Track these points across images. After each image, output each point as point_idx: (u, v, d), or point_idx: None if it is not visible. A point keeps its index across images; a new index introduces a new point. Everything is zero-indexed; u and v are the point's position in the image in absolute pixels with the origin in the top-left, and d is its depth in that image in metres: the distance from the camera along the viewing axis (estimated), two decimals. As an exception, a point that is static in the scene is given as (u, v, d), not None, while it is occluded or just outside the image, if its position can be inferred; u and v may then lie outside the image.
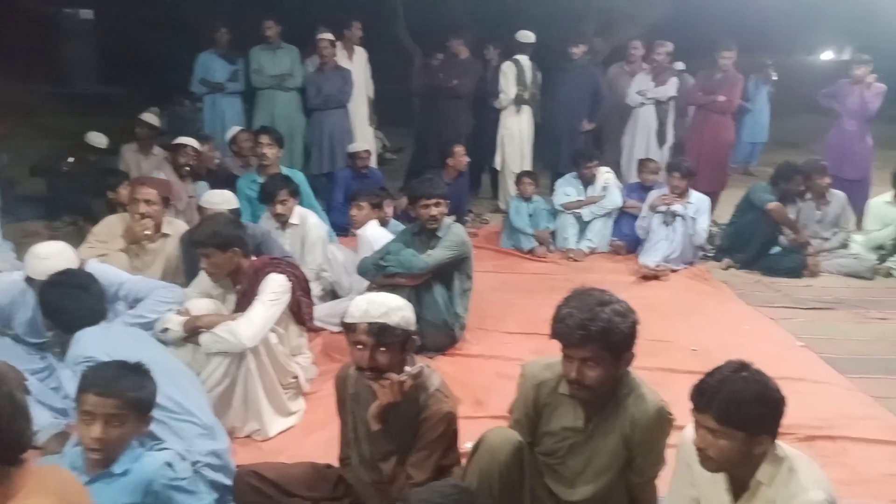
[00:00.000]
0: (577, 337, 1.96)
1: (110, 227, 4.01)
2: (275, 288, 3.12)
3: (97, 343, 2.53)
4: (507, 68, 6.97)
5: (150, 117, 6.39)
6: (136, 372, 2.15)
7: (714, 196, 6.36)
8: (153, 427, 2.38)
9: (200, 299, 3.23)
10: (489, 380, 3.65)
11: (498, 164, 7.22)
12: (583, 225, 6.03)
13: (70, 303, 2.65)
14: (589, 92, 7.02)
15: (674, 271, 5.48)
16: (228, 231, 3.16)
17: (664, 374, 3.47)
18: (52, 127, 8.79)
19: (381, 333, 2.18)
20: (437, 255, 3.85)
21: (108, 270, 3.22)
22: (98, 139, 6.39)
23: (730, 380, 1.80)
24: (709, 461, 1.85)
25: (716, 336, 4.24)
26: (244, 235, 3.24)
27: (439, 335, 3.89)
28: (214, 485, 2.49)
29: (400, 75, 9.89)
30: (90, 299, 2.70)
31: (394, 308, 2.21)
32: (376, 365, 2.20)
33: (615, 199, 6.07)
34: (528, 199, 6.13)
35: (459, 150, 6.08)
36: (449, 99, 7.02)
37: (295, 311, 3.30)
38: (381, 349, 2.19)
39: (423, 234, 3.97)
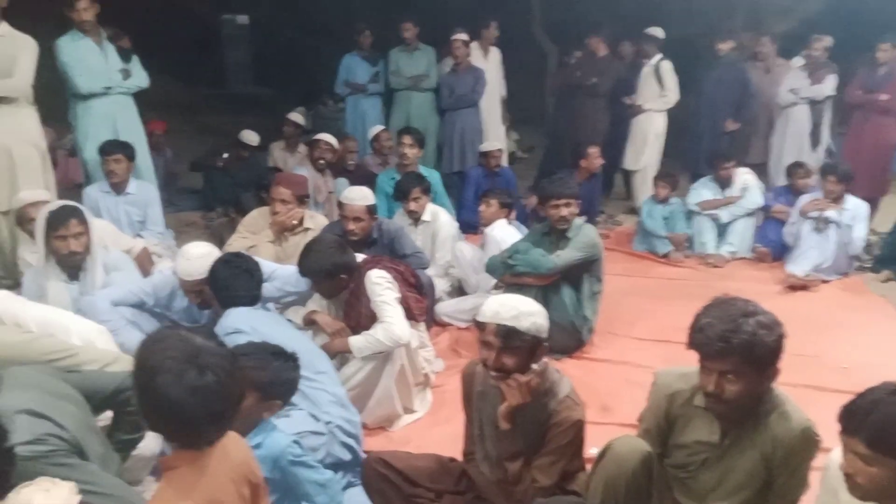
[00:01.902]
0: (717, 349, 1.86)
1: (258, 219, 4.29)
2: (379, 282, 3.19)
3: (245, 318, 2.77)
4: (668, 67, 6.73)
5: (296, 116, 6.76)
6: (275, 354, 2.28)
7: (873, 202, 5.83)
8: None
9: (317, 299, 3.41)
10: (617, 386, 3.57)
11: (628, 164, 7.01)
12: (722, 228, 5.73)
13: (236, 282, 2.90)
14: (735, 90, 6.64)
15: (825, 282, 5.08)
16: (336, 261, 3.19)
17: (811, 392, 3.26)
18: (210, 125, 9.49)
19: (509, 336, 2.17)
20: (566, 255, 3.80)
21: (260, 261, 3.43)
22: (250, 137, 6.84)
23: (884, 402, 1.63)
24: (857, 488, 1.69)
25: (870, 354, 3.90)
26: (351, 258, 3.27)
27: (566, 337, 3.84)
28: (347, 447, 2.61)
29: (535, 74, 9.84)
30: (251, 283, 2.95)
31: (525, 312, 2.19)
32: (501, 366, 2.20)
33: (755, 198, 5.71)
34: (663, 202, 5.91)
35: (594, 151, 5.94)
36: (586, 97, 6.88)
37: (405, 307, 3.38)
38: (508, 352, 2.19)
39: (553, 234, 3.93)
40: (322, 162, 5.63)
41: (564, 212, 3.85)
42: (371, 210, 4.02)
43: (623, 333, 4.22)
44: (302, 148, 6.46)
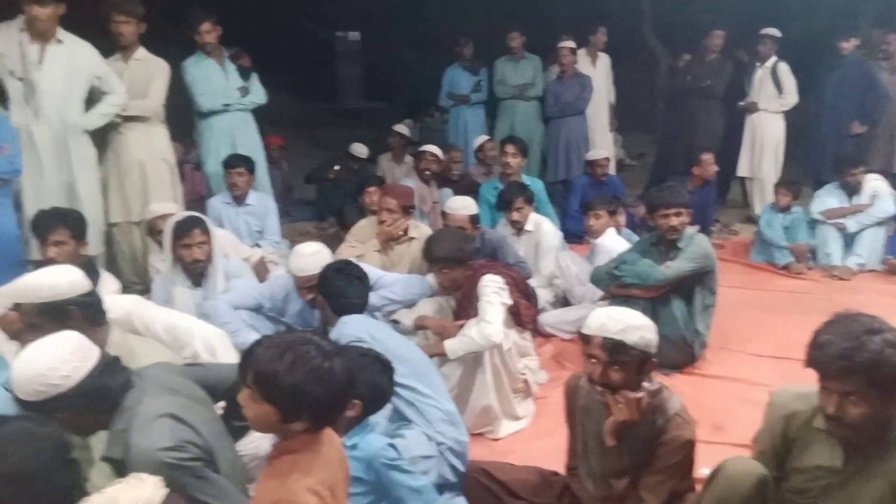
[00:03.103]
0: (838, 368, 1.74)
1: (366, 228, 4.43)
2: (493, 288, 3.22)
3: (364, 326, 2.83)
4: (785, 68, 6.40)
5: (402, 128, 6.91)
6: (365, 356, 2.33)
7: None
8: (404, 407, 2.60)
9: (430, 300, 3.47)
10: (730, 404, 3.40)
11: (743, 171, 6.68)
12: (849, 239, 5.35)
13: (350, 289, 2.97)
14: (861, 91, 6.19)
15: (969, 298, 4.65)
16: (467, 247, 3.33)
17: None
18: (324, 139, 9.87)
19: (616, 351, 2.11)
20: (676, 267, 3.67)
21: (369, 267, 3.59)
22: (360, 150, 7.06)
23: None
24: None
25: None
26: (473, 249, 3.39)
27: (676, 352, 3.70)
28: (454, 469, 2.63)
29: (645, 79, 9.59)
30: (363, 290, 3.02)
31: (633, 326, 2.14)
32: (608, 382, 2.15)
33: (886, 206, 5.29)
34: (784, 210, 5.59)
35: (707, 158, 5.69)
36: (699, 101, 6.64)
37: (514, 313, 3.37)
38: (615, 367, 2.13)
39: (663, 244, 3.80)
40: (427, 172, 5.73)
41: (674, 221, 3.72)
42: (474, 220, 4.05)
43: (738, 349, 4.02)
44: (408, 159, 6.59)
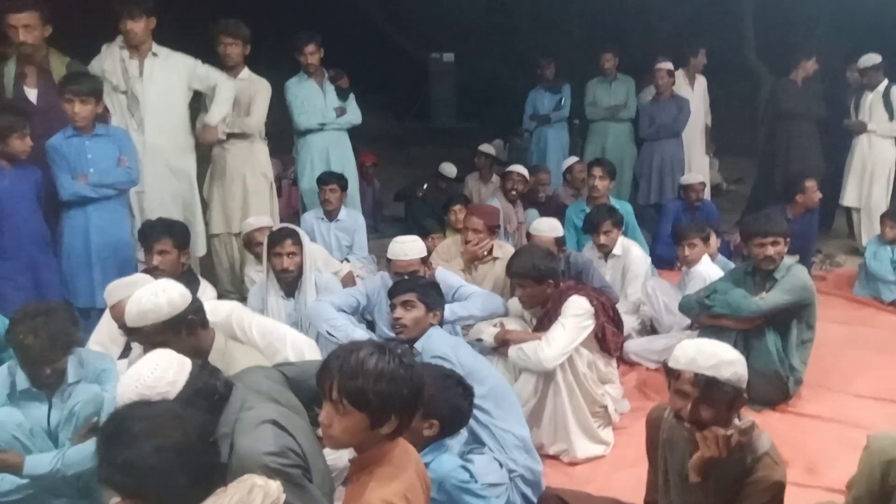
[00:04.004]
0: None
1: (451, 247, 4.49)
2: (576, 310, 3.18)
3: (447, 342, 2.88)
4: None
5: (488, 148, 6.97)
6: (446, 377, 2.35)
7: None
8: (478, 430, 2.61)
9: (513, 317, 3.45)
10: (826, 445, 3.22)
11: (849, 201, 6.32)
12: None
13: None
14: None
15: None
16: (545, 264, 3.29)
17: None
18: (416, 158, 10.05)
19: (708, 387, 2.04)
20: (771, 298, 3.52)
21: (450, 275, 3.74)
22: (449, 169, 7.16)
23: None
24: None
25: None
26: (558, 267, 3.37)
27: (769, 387, 3.53)
28: (524, 498, 2.61)
29: (746, 101, 9.29)
30: (441, 303, 3.07)
31: (726, 361, 2.06)
32: (698, 419, 2.08)
33: None
34: (892, 243, 5.25)
35: (811, 185, 5.39)
36: (802, 124, 6.36)
37: (599, 338, 3.30)
38: (706, 403, 2.06)
39: (758, 274, 3.66)
40: (514, 193, 5.74)
41: (771, 251, 3.56)
42: (559, 242, 4.02)
43: (838, 388, 3.80)
44: (495, 178, 6.63)
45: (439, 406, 2.23)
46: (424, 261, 3.65)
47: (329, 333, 3.28)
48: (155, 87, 4.33)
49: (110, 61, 4.28)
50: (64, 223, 3.89)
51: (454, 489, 2.20)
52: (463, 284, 3.68)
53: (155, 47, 4.35)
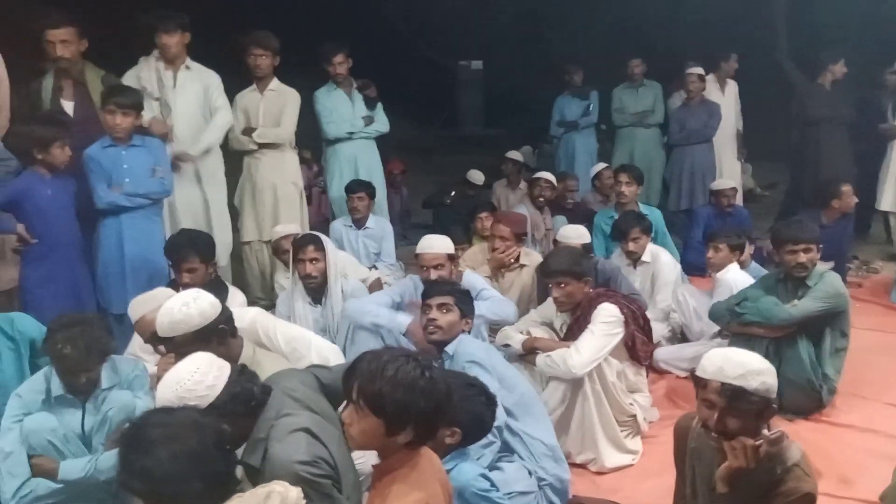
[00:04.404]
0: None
1: (477, 254, 4.50)
2: (605, 318, 3.15)
3: (479, 347, 2.88)
4: None
5: (516, 154, 6.96)
6: (470, 385, 2.34)
7: None
8: (508, 438, 2.62)
9: (539, 325, 3.45)
10: (860, 456, 3.16)
11: (886, 205, 6.17)
12: None
13: None
14: None
15: None
16: (585, 262, 3.32)
17: None
18: (444, 165, 10.07)
19: (735, 398, 2.01)
20: (803, 306, 3.46)
21: (476, 277, 3.76)
22: (476, 176, 7.17)
23: None
24: None
25: None
26: (591, 267, 3.38)
27: (801, 396, 3.47)
28: None
29: (778, 105, 9.14)
30: (473, 312, 3.06)
31: (753, 371, 2.02)
32: (724, 429, 2.05)
33: None
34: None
35: (847, 189, 5.26)
36: (836, 128, 6.24)
37: (629, 346, 3.27)
38: (733, 414, 2.02)
39: (790, 280, 3.59)
40: (541, 199, 5.73)
41: (803, 258, 3.50)
42: (586, 249, 4.01)
43: (873, 397, 3.72)
44: (523, 185, 6.62)
45: (461, 414, 2.23)
46: (452, 258, 3.66)
47: (375, 325, 3.31)
48: (185, 97, 4.46)
49: (147, 71, 4.44)
50: (99, 232, 3.98)
51: (474, 497, 2.20)
52: (486, 288, 3.69)
53: (188, 61, 4.48)
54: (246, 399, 1.98)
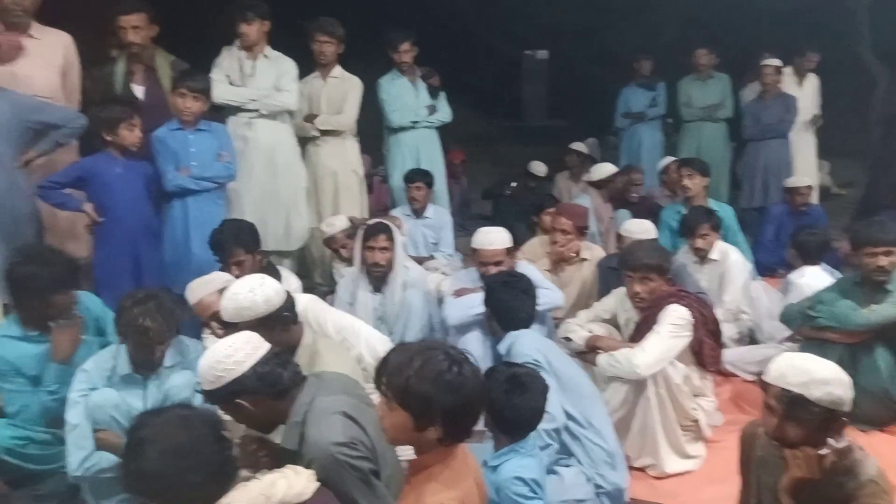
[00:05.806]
0: None
1: (537, 247, 4.43)
2: (674, 319, 3.04)
3: (537, 345, 2.80)
4: None
5: (579, 146, 6.83)
6: (511, 380, 2.30)
7: None
8: (568, 440, 2.56)
9: (601, 322, 3.36)
10: (942, 473, 2.95)
11: None
12: None
13: (517, 303, 2.95)
14: None
15: None
16: (670, 258, 3.23)
17: None
18: (506, 156, 9.99)
19: (794, 405, 1.92)
20: (882, 311, 3.28)
21: (534, 270, 3.66)
22: (538, 168, 7.07)
23: None
24: None
25: None
26: (670, 263, 3.27)
27: (877, 406, 3.29)
28: None
29: (859, 101, 8.73)
30: (530, 304, 2.99)
31: (818, 380, 1.92)
32: (783, 437, 1.96)
33: None
34: None
35: (928, 188, 5.04)
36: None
37: (696, 352, 3.15)
38: (792, 422, 1.93)
39: (868, 284, 3.40)
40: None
41: (883, 261, 3.31)
42: (652, 244, 3.86)
43: (956, 410, 3.49)
44: (586, 177, 6.49)
45: (507, 409, 2.23)
46: (510, 251, 3.59)
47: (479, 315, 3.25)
48: (262, 85, 4.52)
49: (229, 60, 4.53)
50: (166, 214, 4.07)
51: (507, 499, 2.16)
52: (542, 281, 3.58)
53: (267, 49, 4.55)
54: (272, 381, 2.01)
